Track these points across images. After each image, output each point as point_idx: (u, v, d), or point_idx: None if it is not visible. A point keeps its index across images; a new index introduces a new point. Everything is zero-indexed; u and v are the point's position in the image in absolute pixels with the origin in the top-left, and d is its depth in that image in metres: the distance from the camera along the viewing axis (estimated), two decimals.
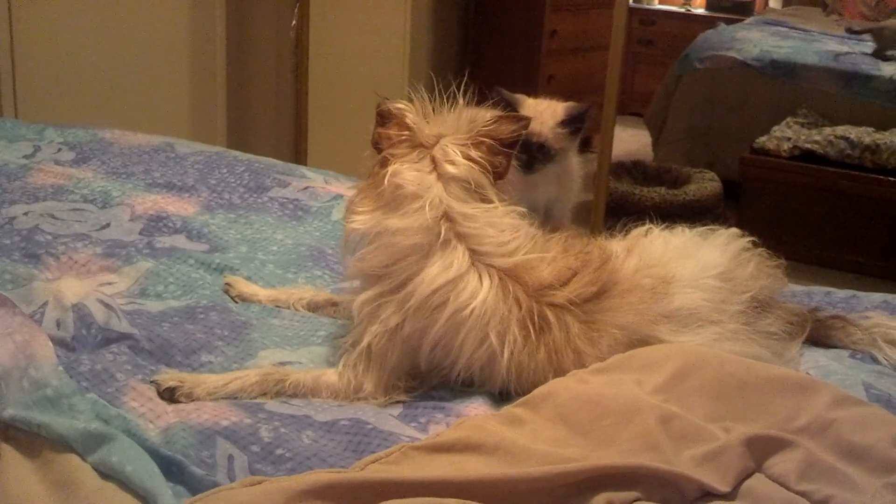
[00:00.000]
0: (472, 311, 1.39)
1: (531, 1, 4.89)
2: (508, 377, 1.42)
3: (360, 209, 1.48)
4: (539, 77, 4.95)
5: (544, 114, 2.12)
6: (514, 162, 2.03)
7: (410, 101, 1.51)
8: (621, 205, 3.93)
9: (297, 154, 4.11)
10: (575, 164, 2.24)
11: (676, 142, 4.65)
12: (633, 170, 4.44)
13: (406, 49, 4.26)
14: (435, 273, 1.40)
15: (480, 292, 1.40)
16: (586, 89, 5.18)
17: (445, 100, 1.51)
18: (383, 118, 1.52)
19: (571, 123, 2.11)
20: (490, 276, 1.42)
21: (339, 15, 4.15)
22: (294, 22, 4.02)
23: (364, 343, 1.43)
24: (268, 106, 4.16)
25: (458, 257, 1.41)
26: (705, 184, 4.11)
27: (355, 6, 4.19)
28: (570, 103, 2.16)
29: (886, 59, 4.29)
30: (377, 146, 1.52)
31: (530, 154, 2.07)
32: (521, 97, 2.18)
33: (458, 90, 1.50)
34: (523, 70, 4.97)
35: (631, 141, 5.59)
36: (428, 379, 1.47)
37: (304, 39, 4.02)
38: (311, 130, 4.12)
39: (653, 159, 4.73)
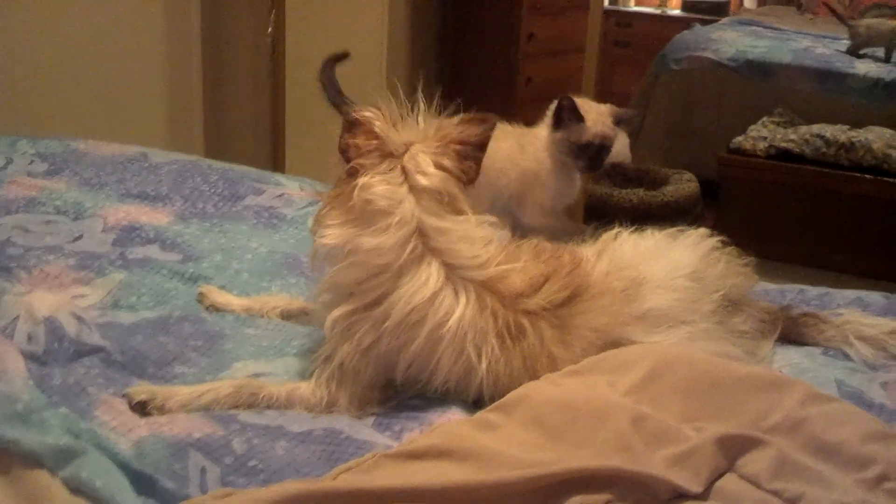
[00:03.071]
0: (449, 328, 1.39)
1: (508, 4, 4.90)
2: (485, 387, 1.42)
3: (330, 222, 1.45)
4: (517, 80, 4.95)
5: (602, 115, 2.22)
6: (577, 162, 2.22)
7: (377, 107, 1.48)
8: (600, 207, 3.93)
9: (275, 161, 4.09)
10: None
11: (654, 143, 4.65)
12: (611, 172, 4.45)
13: (383, 55, 4.26)
14: (411, 291, 1.39)
15: (457, 308, 1.40)
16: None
17: (421, 104, 1.49)
18: (351, 126, 1.50)
19: (620, 123, 2.27)
20: (466, 291, 1.41)
21: (316, 21, 4.14)
22: (270, 29, 4.00)
23: (337, 360, 1.42)
24: (245, 113, 4.14)
25: (433, 273, 1.40)
26: (683, 184, 4.12)
27: (332, 13, 4.18)
28: (612, 106, 2.29)
29: (860, 56, 4.32)
30: (345, 154, 1.49)
31: (600, 155, 2.23)
32: (578, 100, 2.25)
33: (435, 95, 1.50)
34: (501, 73, 4.97)
35: None
36: (403, 391, 1.46)
37: (280, 46, 4.01)
38: (289, 137, 4.11)
39: (630, 161, 4.73)
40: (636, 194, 4.03)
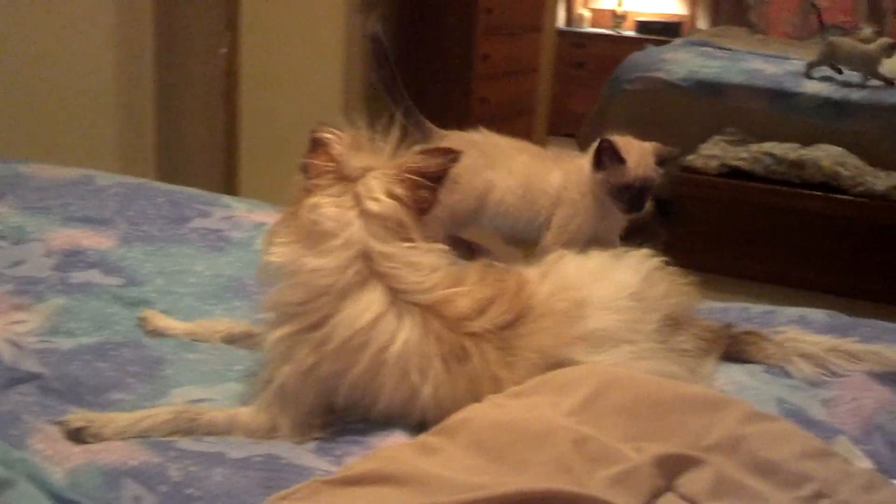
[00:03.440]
0: (393, 352, 1.38)
1: (463, 26, 4.93)
2: (429, 410, 1.41)
3: (279, 240, 1.44)
4: (472, 100, 4.98)
5: (645, 156, 2.17)
6: (618, 204, 2.18)
7: (342, 129, 1.48)
8: None
9: (229, 183, 4.06)
10: None
11: None
12: None
13: (339, 76, 4.25)
14: (354, 314, 1.37)
15: (401, 332, 1.39)
16: (519, 112, 5.25)
17: (380, 129, 1.49)
18: (314, 145, 1.49)
19: (663, 164, 2.19)
20: (411, 315, 1.40)
21: (271, 42, 4.13)
22: (224, 49, 3.98)
23: (277, 383, 1.40)
24: (199, 134, 4.11)
25: (377, 297, 1.39)
26: None
27: (287, 33, 4.17)
28: (655, 144, 2.23)
29: (811, 77, 4.38)
30: (306, 172, 1.48)
31: (641, 197, 2.17)
32: (620, 140, 2.21)
33: (393, 118, 1.49)
34: (456, 94, 5.00)
35: None
36: (345, 416, 1.44)
37: (234, 66, 3.99)
38: (244, 159, 4.08)
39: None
40: None
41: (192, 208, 2.23)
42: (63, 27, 3.38)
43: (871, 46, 4.29)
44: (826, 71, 4.44)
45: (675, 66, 4.59)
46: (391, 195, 1.42)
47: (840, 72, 4.33)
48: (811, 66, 4.31)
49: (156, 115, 3.79)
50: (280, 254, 1.43)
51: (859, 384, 1.53)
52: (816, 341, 1.65)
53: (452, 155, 1.48)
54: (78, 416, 1.36)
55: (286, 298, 1.42)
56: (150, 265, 1.94)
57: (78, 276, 1.85)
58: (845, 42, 4.40)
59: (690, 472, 1.20)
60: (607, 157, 2.15)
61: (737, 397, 1.40)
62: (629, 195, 2.17)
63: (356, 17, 4.24)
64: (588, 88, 5.93)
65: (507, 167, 2.34)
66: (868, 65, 4.26)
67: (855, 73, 4.34)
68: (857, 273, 3.85)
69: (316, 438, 1.40)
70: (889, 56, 4.28)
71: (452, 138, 2.43)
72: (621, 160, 2.14)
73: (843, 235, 3.88)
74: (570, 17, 6.72)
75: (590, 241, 2.23)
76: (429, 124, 2.51)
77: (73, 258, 1.91)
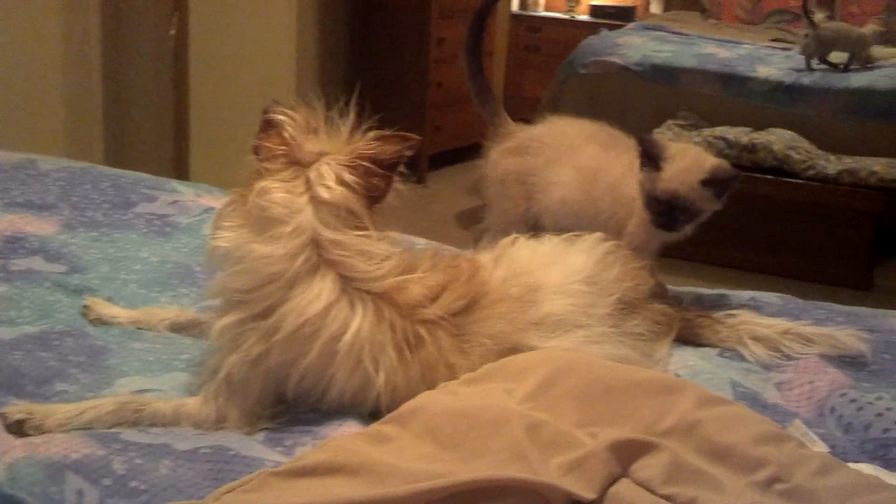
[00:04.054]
0: (345, 342, 1.35)
1: (417, 9, 4.89)
2: (383, 399, 1.38)
3: (227, 224, 1.41)
4: (428, 84, 4.95)
5: (688, 171, 1.79)
6: (647, 212, 1.83)
7: (296, 109, 1.44)
8: None
9: (179, 168, 3.99)
10: None
11: None
12: None
13: (292, 58, 4.20)
14: (304, 303, 1.34)
15: (354, 321, 1.36)
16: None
17: (335, 112, 1.44)
18: (267, 126, 1.44)
19: (715, 186, 1.79)
20: (363, 303, 1.38)
21: (221, 23, 4.05)
22: (172, 31, 3.90)
23: (224, 372, 1.37)
24: (147, 118, 4.03)
25: (328, 285, 1.36)
26: None
27: (238, 15, 4.10)
28: (718, 162, 1.83)
29: (812, 69, 4.34)
30: (257, 154, 1.44)
31: (671, 214, 1.82)
32: (666, 145, 1.86)
33: (347, 101, 1.44)
34: (411, 78, 4.96)
35: None
36: (295, 406, 1.42)
37: (183, 48, 3.91)
38: (194, 143, 4.01)
39: None
40: None
41: (138, 193, 2.18)
42: (8, 10, 3.29)
43: (866, 30, 4.30)
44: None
45: (628, 50, 4.59)
46: (342, 182, 1.38)
47: (833, 66, 4.31)
48: (809, 58, 4.28)
49: (103, 99, 3.71)
50: (227, 239, 1.39)
51: (813, 367, 1.53)
52: (770, 324, 1.66)
53: (408, 142, 1.44)
54: (18, 408, 1.31)
55: (233, 285, 1.39)
56: (94, 251, 1.89)
57: (19, 263, 1.79)
58: (839, 26, 4.39)
59: (645, 458, 1.19)
60: (644, 158, 1.85)
61: (691, 381, 1.40)
62: (656, 208, 1.83)
63: None
64: (543, 73, 5.92)
65: (571, 162, 2.05)
66: (861, 48, 4.27)
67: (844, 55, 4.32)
68: (808, 256, 3.90)
69: (265, 429, 1.37)
70: (879, 43, 4.31)
71: (518, 133, 2.22)
72: (657, 166, 1.82)
73: (795, 219, 3.92)
74: (525, 1, 6.70)
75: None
76: (503, 114, 2.31)
77: (13, 244, 1.85)
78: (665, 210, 1.81)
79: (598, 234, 1.60)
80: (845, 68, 4.28)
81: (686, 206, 1.79)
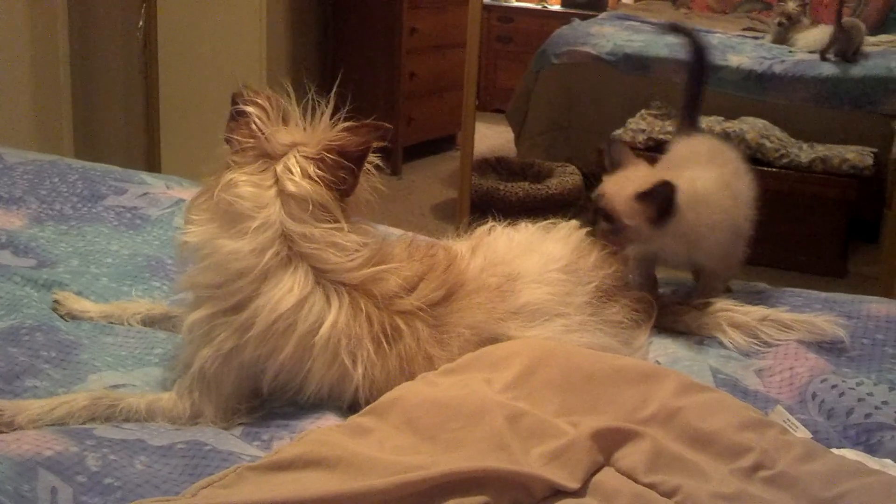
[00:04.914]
0: (322, 335, 1.33)
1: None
2: (361, 391, 1.37)
3: (196, 218, 1.39)
4: (401, 75, 4.92)
5: (627, 179, 1.65)
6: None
7: (266, 96, 1.41)
8: (486, 200, 3.93)
9: (150, 160, 3.94)
10: (711, 224, 1.69)
11: (537, 137, 4.68)
12: (497, 166, 4.47)
13: (262, 49, 4.14)
14: (277, 297, 1.32)
15: (329, 314, 1.34)
16: (447, 87, 5.19)
17: (306, 103, 1.42)
18: (237, 116, 1.42)
19: (649, 203, 1.61)
20: (339, 295, 1.36)
21: (190, 14, 4.00)
22: (141, 23, 3.85)
23: (197, 367, 1.34)
24: (117, 111, 3.98)
25: (300, 279, 1.34)
26: (566, 177, 4.17)
27: (207, 5, 4.04)
28: (663, 182, 1.61)
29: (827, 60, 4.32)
30: (229, 145, 1.41)
31: (595, 216, 1.66)
32: (627, 154, 1.72)
33: (319, 92, 1.42)
34: (384, 68, 4.92)
35: (494, 137, 5.62)
36: (272, 400, 1.39)
37: (152, 40, 3.86)
38: (165, 135, 3.96)
39: (516, 155, 4.76)
40: (521, 187, 4.06)
41: (107, 185, 2.14)
42: None
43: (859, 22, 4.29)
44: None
45: (601, 40, 4.59)
46: (309, 176, 1.36)
47: (848, 59, 4.29)
48: (825, 50, 4.26)
49: (72, 92, 3.65)
50: (196, 233, 1.37)
51: (793, 354, 1.53)
52: (747, 311, 1.65)
53: (378, 131, 1.41)
54: None
55: (203, 280, 1.37)
56: (64, 245, 1.86)
57: None
58: (854, 21, 4.37)
59: (628, 446, 1.18)
60: (608, 161, 1.72)
61: (672, 369, 1.39)
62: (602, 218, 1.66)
63: None
64: (516, 63, 5.90)
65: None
66: (862, 38, 4.26)
67: None
68: (783, 244, 3.90)
69: (242, 423, 1.35)
70: None
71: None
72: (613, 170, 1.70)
73: (768, 207, 3.92)
74: None
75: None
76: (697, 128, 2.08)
77: None
78: (593, 210, 1.66)
79: (574, 222, 1.59)
80: (854, 57, 4.27)
81: (609, 213, 1.62)
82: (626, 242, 1.65)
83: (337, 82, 1.45)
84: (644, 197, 1.60)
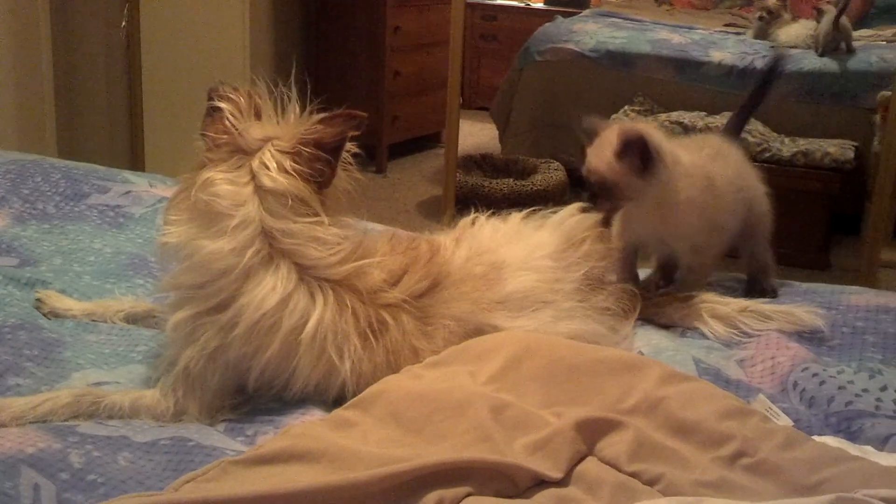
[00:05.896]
0: (307, 332, 1.33)
1: None
2: (348, 386, 1.36)
3: (174, 218, 1.38)
4: (385, 73, 4.92)
5: (602, 146, 1.66)
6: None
7: (241, 92, 1.40)
8: (471, 197, 3.93)
9: (134, 160, 3.93)
10: (691, 199, 1.69)
11: (522, 133, 4.70)
12: (481, 162, 4.48)
13: (246, 48, 4.13)
14: (261, 296, 1.32)
15: (315, 311, 1.34)
16: (432, 85, 5.20)
17: (285, 99, 1.41)
18: (211, 113, 1.41)
19: (629, 155, 1.62)
20: (323, 291, 1.35)
21: (172, 14, 3.99)
22: (124, 23, 3.84)
23: (181, 366, 1.34)
24: (100, 111, 3.96)
25: (283, 275, 1.33)
26: (551, 173, 4.18)
27: (189, 5, 4.03)
28: (626, 129, 1.66)
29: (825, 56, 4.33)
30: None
31: (592, 191, 1.69)
32: (597, 124, 1.71)
33: (300, 90, 1.41)
34: (368, 66, 4.92)
35: (479, 134, 5.63)
36: (258, 396, 1.39)
37: (135, 40, 3.85)
38: (149, 134, 3.95)
39: (500, 152, 4.77)
40: (506, 184, 4.07)
41: (90, 184, 2.13)
42: None
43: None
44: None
45: (584, 37, 4.61)
46: (284, 169, 1.35)
47: (849, 49, 4.31)
48: (826, 47, 4.27)
49: (55, 93, 3.63)
50: (175, 234, 1.36)
51: (774, 343, 1.54)
52: (728, 302, 1.66)
53: (353, 121, 1.39)
54: None
55: (185, 281, 1.36)
56: (46, 244, 1.85)
57: None
58: (844, 18, 4.39)
59: (611, 436, 1.19)
60: (585, 139, 1.73)
61: (655, 359, 1.40)
62: (587, 187, 1.73)
63: None
64: (500, 61, 5.92)
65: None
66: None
67: None
68: None
69: (226, 419, 1.35)
70: None
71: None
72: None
73: None
74: None
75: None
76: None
77: None
78: (588, 187, 1.69)
79: (573, 206, 1.59)
80: (849, 49, 4.28)
81: (603, 182, 1.65)
82: (623, 201, 1.69)
83: (320, 81, 1.45)
84: (622, 153, 1.63)
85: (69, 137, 3.78)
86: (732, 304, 1.64)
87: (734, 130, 2.04)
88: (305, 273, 1.36)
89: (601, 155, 1.66)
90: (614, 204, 1.70)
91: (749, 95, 2.08)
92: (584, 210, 1.63)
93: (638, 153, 1.62)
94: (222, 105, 1.39)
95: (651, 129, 1.70)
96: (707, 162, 1.75)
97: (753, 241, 1.86)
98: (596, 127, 1.71)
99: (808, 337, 1.58)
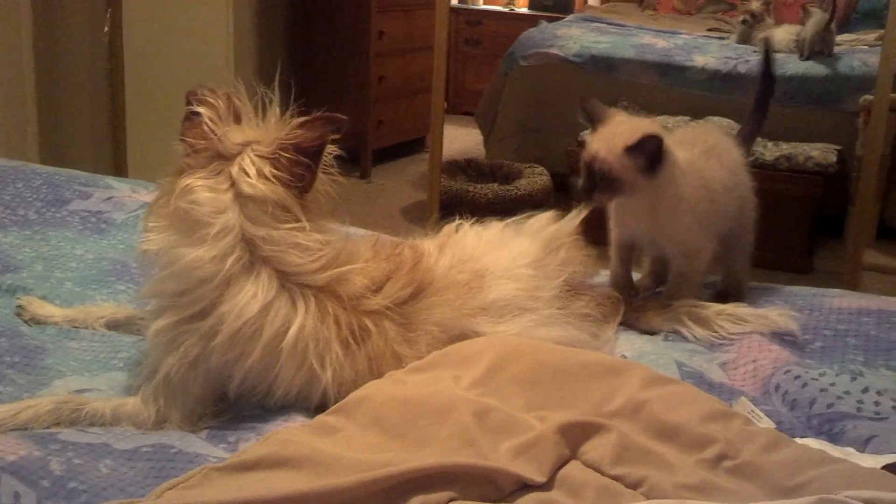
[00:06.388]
0: (289, 340, 1.32)
1: (357, 3, 4.85)
2: (330, 393, 1.36)
3: (153, 225, 1.36)
4: (369, 78, 4.91)
5: (614, 135, 1.64)
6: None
7: (221, 95, 1.39)
8: (456, 202, 3.94)
9: (117, 166, 3.91)
10: (684, 199, 1.70)
11: (506, 138, 4.70)
12: (466, 167, 4.48)
13: (230, 53, 4.12)
14: (241, 303, 1.31)
15: (296, 318, 1.33)
16: (417, 90, 5.20)
17: (268, 104, 1.40)
18: (190, 117, 1.40)
19: (640, 155, 1.62)
20: (304, 298, 1.35)
21: (155, 19, 3.98)
22: (106, 28, 3.82)
23: (162, 374, 1.33)
24: (83, 116, 3.94)
25: (264, 283, 1.33)
26: (535, 178, 4.18)
27: (173, 9, 4.02)
28: (652, 132, 1.64)
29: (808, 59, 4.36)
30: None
31: (592, 180, 1.66)
32: (607, 110, 1.71)
33: (284, 94, 1.40)
34: (353, 72, 4.92)
35: (464, 139, 5.64)
36: (240, 404, 1.39)
37: (118, 45, 3.84)
38: (131, 140, 3.93)
39: (485, 156, 4.78)
40: (491, 189, 4.07)
41: (72, 190, 2.11)
42: None
43: None
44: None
45: (568, 41, 4.62)
46: (265, 176, 1.33)
47: (829, 53, 4.34)
48: (812, 49, 4.29)
49: (37, 98, 3.61)
50: (155, 241, 1.35)
51: (756, 346, 1.55)
52: (707, 306, 1.67)
53: (332, 124, 1.38)
54: None
55: (165, 289, 1.35)
56: (28, 250, 1.83)
57: None
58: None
59: (594, 439, 1.19)
60: (588, 122, 1.73)
61: (637, 362, 1.40)
62: (583, 173, 1.71)
63: None
64: (485, 66, 5.94)
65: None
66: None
67: None
68: None
69: (208, 427, 1.34)
70: None
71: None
72: (595, 129, 1.71)
73: None
74: None
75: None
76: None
77: None
78: (587, 175, 1.66)
79: (546, 214, 1.59)
80: (829, 53, 4.31)
81: (605, 171, 1.63)
82: (619, 195, 1.67)
83: (305, 86, 1.45)
84: (633, 149, 1.62)
85: (51, 143, 3.76)
86: (711, 307, 1.65)
87: (748, 137, 2.07)
88: (287, 280, 1.35)
89: (610, 146, 1.63)
90: (609, 197, 1.70)
91: (755, 98, 2.10)
92: (559, 217, 1.63)
93: (649, 153, 1.62)
94: (201, 109, 1.38)
95: (660, 128, 1.70)
96: (701, 160, 1.75)
97: (733, 252, 1.86)
98: (601, 112, 1.70)
99: (791, 340, 1.59)
